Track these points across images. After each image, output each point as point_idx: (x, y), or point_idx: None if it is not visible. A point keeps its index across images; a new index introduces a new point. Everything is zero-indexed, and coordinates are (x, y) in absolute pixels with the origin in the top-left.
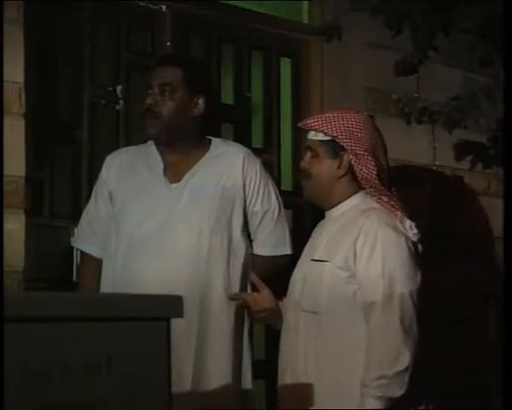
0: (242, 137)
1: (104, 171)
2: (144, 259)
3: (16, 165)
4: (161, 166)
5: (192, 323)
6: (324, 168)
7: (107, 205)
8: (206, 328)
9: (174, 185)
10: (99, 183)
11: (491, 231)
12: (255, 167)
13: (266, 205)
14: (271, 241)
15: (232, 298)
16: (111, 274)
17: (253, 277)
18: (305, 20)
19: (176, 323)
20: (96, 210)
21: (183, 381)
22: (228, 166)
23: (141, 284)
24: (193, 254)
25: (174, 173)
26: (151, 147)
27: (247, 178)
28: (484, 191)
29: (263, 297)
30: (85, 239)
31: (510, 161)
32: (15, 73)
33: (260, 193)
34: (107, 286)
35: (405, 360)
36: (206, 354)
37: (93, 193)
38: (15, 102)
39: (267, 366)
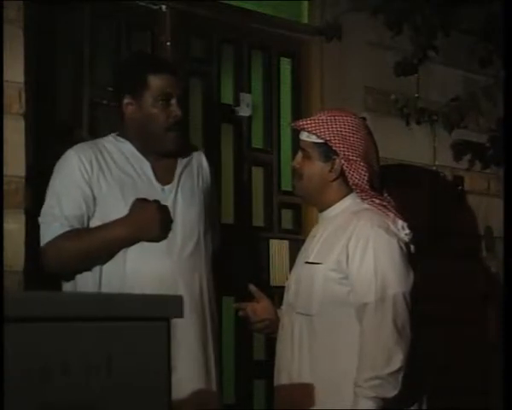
0: (242, 137)
1: (81, 167)
2: (148, 262)
3: (16, 165)
4: (149, 167)
5: (200, 326)
6: (316, 170)
7: (90, 203)
8: (206, 330)
9: (166, 188)
10: (74, 179)
11: (490, 230)
12: (209, 165)
13: (214, 201)
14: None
15: (236, 307)
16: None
17: (252, 287)
18: (305, 20)
19: (184, 328)
20: (75, 208)
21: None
22: (200, 167)
23: (144, 289)
24: (195, 257)
25: (162, 175)
26: (125, 144)
27: (209, 178)
28: (484, 191)
29: (262, 308)
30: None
31: (510, 161)
32: (15, 73)
33: (213, 189)
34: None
35: (398, 360)
36: (209, 353)
37: (65, 190)
38: (15, 102)
39: (267, 366)
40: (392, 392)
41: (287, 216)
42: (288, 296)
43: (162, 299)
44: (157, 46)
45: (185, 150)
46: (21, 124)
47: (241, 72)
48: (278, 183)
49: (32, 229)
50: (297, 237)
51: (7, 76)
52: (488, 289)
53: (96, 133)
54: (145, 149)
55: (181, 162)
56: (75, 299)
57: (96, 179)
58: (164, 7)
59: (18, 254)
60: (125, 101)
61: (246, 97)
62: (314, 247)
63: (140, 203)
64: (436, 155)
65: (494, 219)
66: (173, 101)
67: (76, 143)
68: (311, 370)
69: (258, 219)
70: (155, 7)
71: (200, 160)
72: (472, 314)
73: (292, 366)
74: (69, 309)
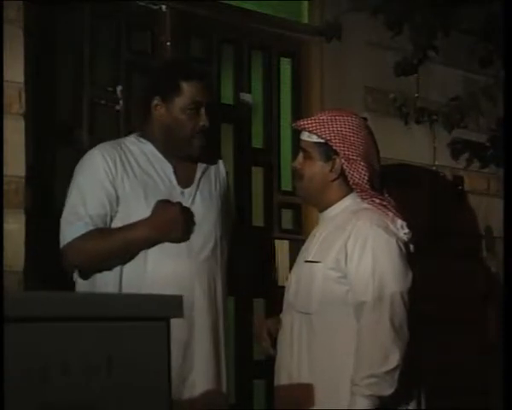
0: (242, 137)
1: (105, 166)
2: (167, 263)
3: (16, 165)
4: (171, 170)
5: (214, 329)
6: (316, 170)
7: (113, 203)
8: (218, 332)
9: (186, 191)
10: (99, 179)
11: (490, 230)
12: (226, 172)
13: (230, 207)
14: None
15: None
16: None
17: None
18: (305, 20)
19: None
20: (99, 207)
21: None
22: (217, 173)
23: (163, 290)
24: (211, 260)
25: (182, 178)
26: (147, 145)
27: (226, 184)
28: (484, 191)
29: (269, 331)
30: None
31: (510, 161)
32: (15, 73)
33: (229, 195)
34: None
35: (395, 359)
36: (221, 355)
37: (90, 189)
38: (15, 102)
39: (267, 366)
40: (388, 390)
41: (287, 216)
42: (288, 296)
43: (162, 299)
44: (157, 46)
45: (205, 156)
46: (21, 124)
47: (241, 72)
48: (278, 183)
49: (32, 229)
50: (297, 237)
51: (7, 76)
52: (488, 289)
53: (95, 133)
54: (168, 151)
55: (200, 167)
56: (75, 299)
57: (121, 180)
58: (164, 7)
59: (18, 254)
60: (155, 102)
61: (246, 97)
62: (314, 246)
63: (163, 205)
64: (436, 154)
65: (494, 219)
66: (202, 110)
67: (76, 143)
68: (309, 368)
69: (258, 219)
70: (155, 7)
71: (218, 166)
72: (472, 314)
73: (291, 365)
74: (69, 309)
